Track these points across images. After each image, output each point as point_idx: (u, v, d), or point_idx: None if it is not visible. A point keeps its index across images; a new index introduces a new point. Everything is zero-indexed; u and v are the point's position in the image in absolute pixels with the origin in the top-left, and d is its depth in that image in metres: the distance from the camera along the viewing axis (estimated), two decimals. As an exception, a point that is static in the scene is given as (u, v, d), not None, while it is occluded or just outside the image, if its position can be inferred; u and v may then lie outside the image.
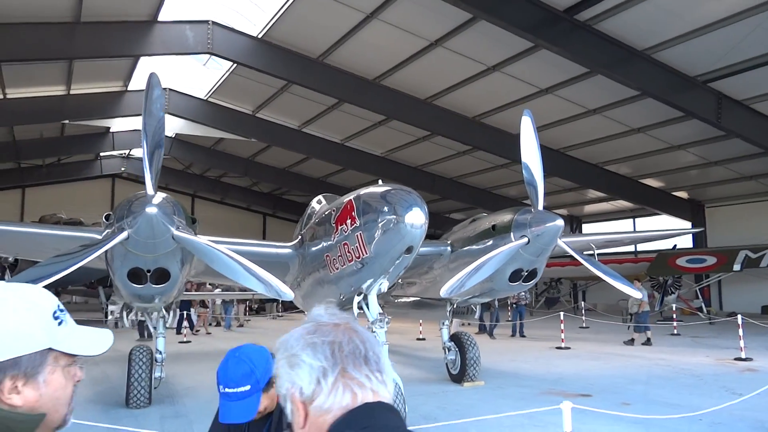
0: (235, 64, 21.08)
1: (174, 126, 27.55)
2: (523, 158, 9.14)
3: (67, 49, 17.76)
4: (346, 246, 7.38)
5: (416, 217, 6.59)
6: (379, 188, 7.22)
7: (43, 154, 30.60)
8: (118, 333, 21.09)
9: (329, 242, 7.85)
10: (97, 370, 12.99)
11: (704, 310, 23.03)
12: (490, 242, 9.23)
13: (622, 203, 29.95)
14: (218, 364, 2.63)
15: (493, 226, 9.10)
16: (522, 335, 19.19)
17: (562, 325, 16.20)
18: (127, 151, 33.52)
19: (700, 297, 24.05)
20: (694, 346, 16.40)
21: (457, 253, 9.79)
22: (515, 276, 9.09)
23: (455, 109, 21.98)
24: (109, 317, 22.82)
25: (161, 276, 7.52)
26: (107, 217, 7.51)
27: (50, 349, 1.29)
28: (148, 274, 7.41)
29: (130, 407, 8.97)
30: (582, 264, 9.06)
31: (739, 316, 14.07)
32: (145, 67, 22.00)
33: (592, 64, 16.24)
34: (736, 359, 13.28)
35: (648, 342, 16.54)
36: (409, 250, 6.90)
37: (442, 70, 19.29)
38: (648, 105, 19.14)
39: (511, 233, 8.72)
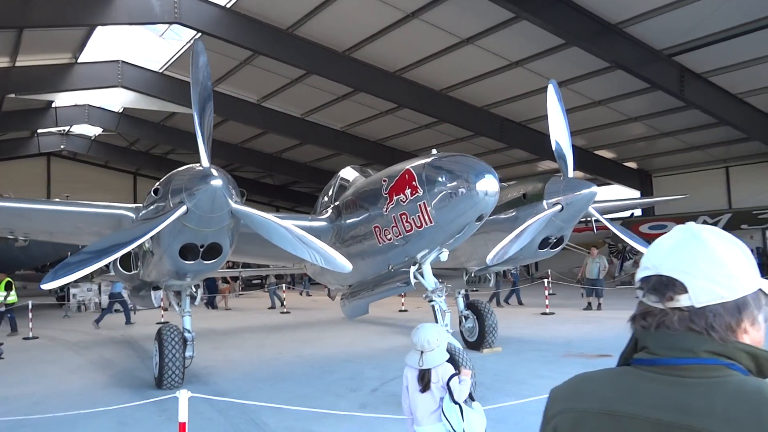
0: (197, 35, 20.25)
1: (123, 100, 26.32)
2: (551, 130, 9.32)
3: (20, 17, 16.55)
4: (404, 216, 7.33)
5: (489, 185, 6.62)
6: (444, 156, 7.21)
7: (-25, 131, 28.54)
8: (83, 317, 20.30)
9: (380, 213, 7.77)
10: (92, 354, 12.47)
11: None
12: (513, 212, 9.45)
13: (577, 173, 30.93)
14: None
15: (524, 195, 9.27)
16: (507, 303, 19.67)
17: (546, 292, 16.76)
18: (67, 128, 31.66)
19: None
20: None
21: (482, 221, 9.90)
22: (543, 243, 9.36)
23: (423, 82, 21.98)
24: (72, 300, 21.79)
25: (212, 251, 7.27)
26: (156, 191, 7.13)
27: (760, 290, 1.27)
28: (201, 249, 7.15)
29: (164, 388, 8.67)
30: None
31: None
32: (100, 37, 20.88)
33: (570, 36, 16.60)
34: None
35: (599, 307, 17.19)
36: (480, 218, 6.94)
37: (415, 43, 19.21)
38: (611, 78, 19.84)
39: (544, 201, 8.94)
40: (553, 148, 9.22)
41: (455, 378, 4.14)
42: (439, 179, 6.86)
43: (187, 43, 21.42)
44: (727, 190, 26.91)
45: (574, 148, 27.72)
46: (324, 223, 9.01)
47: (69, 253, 21.90)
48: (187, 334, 9.05)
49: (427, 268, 7.79)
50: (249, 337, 14.31)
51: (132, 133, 31.28)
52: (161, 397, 6.64)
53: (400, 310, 18.75)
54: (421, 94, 22.41)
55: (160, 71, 23.69)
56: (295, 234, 6.99)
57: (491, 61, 19.81)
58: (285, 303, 21.90)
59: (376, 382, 8.83)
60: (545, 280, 17.24)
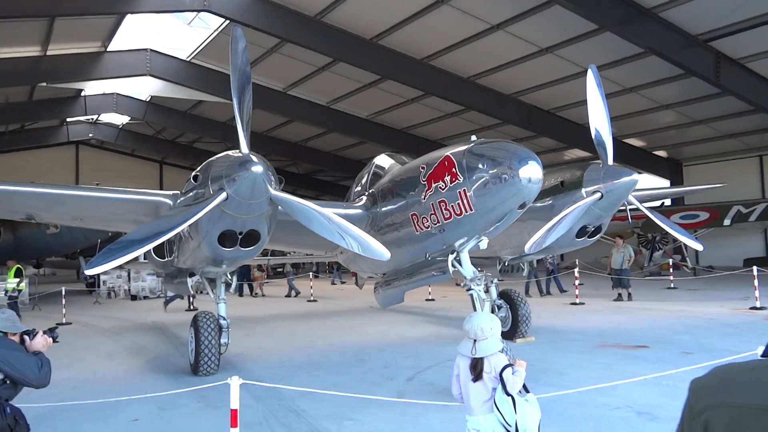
0: (226, 23, 20.29)
1: (151, 88, 26.53)
2: (590, 117, 9.12)
3: (52, 6, 16.74)
4: (443, 204, 7.23)
5: (533, 171, 6.48)
6: (485, 142, 7.09)
7: (7, 119, 28.91)
8: (113, 303, 20.59)
9: (417, 200, 7.68)
10: (125, 341, 12.61)
11: (689, 264, 23.97)
12: (550, 200, 9.28)
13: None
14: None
15: (562, 182, 9.10)
16: (549, 293, 19.35)
17: (576, 282, 16.56)
18: (95, 117, 32.01)
19: (684, 252, 24.96)
20: (699, 298, 17.04)
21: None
22: (581, 232, 9.20)
23: (451, 69, 21.81)
24: (102, 287, 22.10)
25: (250, 238, 7.26)
26: (195, 178, 7.14)
27: None
28: (240, 236, 7.14)
29: (200, 374, 8.72)
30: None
31: (755, 268, 14.65)
32: (129, 26, 21.00)
33: (604, 21, 16.30)
34: (751, 308, 13.88)
35: (630, 297, 16.83)
36: (522, 205, 6.82)
37: (444, 29, 19.02)
38: (643, 64, 19.47)
39: (582, 189, 8.77)
40: (593, 136, 8.99)
41: (509, 369, 4.05)
42: (481, 166, 6.73)
43: (214, 31, 21.50)
44: (761, 179, 26.37)
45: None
46: (359, 211, 8.95)
47: (99, 240, 22.31)
48: (222, 321, 9.07)
49: (465, 257, 7.70)
50: (279, 325, 14.36)
51: (159, 122, 31.52)
52: (206, 385, 6.64)
53: (427, 299, 18.69)
54: (448, 82, 22.23)
55: (188, 59, 23.83)
56: (334, 221, 6.94)
57: (521, 47, 19.56)
58: (298, 293, 22.30)
59: (411, 371, 8.77)
60: (575, 270, 16.98)
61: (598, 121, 9.06)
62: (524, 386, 4.06)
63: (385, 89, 24.39)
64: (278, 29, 19.23)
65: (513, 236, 9.69)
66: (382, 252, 7.01)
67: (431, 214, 7.48)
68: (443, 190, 7.19)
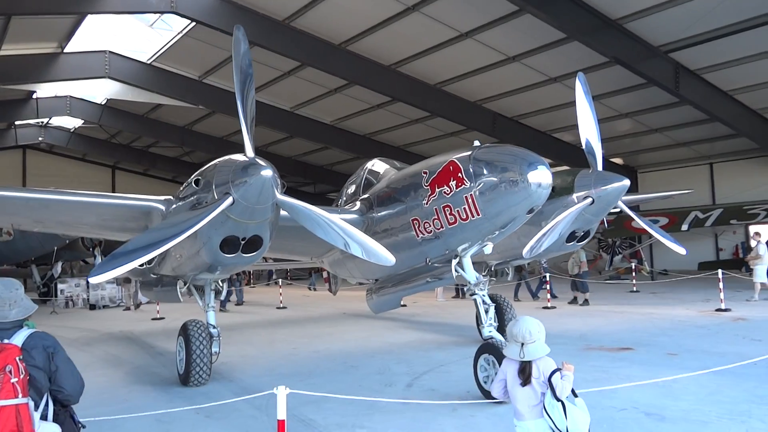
0: (190, 25, 19.87)
1: (107, 91, 25.67)
2: (580, 125, 9.30)
3: (12, 3, 16.04)
4: (447, 208, 7.24)
5: (543, 176, 6.56)
6: (492, 146, 7.13)
7: (-49, 122, 27.52)
8: (71, 313, 19.76)
9: (419, 205, 7.66)
10: (96, 351, 12.14)
11: (647, 268, 24.74)
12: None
13: (563, 168, 31.23)
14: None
15: (552, 188, 9.20)
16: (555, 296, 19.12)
17: (548, 286, 16.85)
18: (46, 120, 30.75)
19: (641, 256, 25.78)
20: (662, 301, 17.58)
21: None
22: (570, 237, 9.35)
23: (418, 76, 21.89)
24: (59, 296, 21.23)
25: (252, 244, 7.09)
26: (196, 182, 6.92)
27: None
28: (242, 242, 6.96)
29: (191, 385, 8.44)
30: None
31: (720, 271, 15.20)
32: (89, 26, 20.30)
33: (572, 30, 16.65)
34: (717, 310, 14.39)
35: (585, 302, 17.09)
36: (531, 210, 6.88)
37: (414, 36, 19.09)
38: (606, 74, 19.98)
39: (573, 194, 8.92)
40: (583, 145, 9.19)
41: (557, 373, 4.05)
42: (489, 170, 6.77)
43: (178, 33, 20.99)
44: (711, 186, 27.40)
45: (561, 143, 28.22)
46: (355, 216, 8.86)
47: (56, 248, 21.44)
48: (212, 330, 8.82)
49: (467, 262, 7.72)
50: (256, 333, 14.07)
51: (114, 126, 30.48)
52: (211, 403, 6.42)
53: (401, 305, 18.62)
54: (415, 88, 22.31)
55: (149, 62, 23.16)
56: (340, 226, 6.87)
57: (489, 55, 19.80)
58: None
59: (408, 378, 8.72)
60: (547, 275, 17.25)
61: (588, 129, 9.27)
62: (572, 391, 4.07)
63: (351, 95, 24.32)
64: (246, 33, 18.89)
65: (500, 241, 9.77)
66: (387, 257, 6.97)
67: (434, 219, 7.48)
68: (448, 195, 7.20)
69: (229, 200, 6.40)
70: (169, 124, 30.40)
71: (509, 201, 6.71)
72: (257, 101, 24.37)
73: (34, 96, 26.42)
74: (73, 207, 7.68)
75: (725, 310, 14.30)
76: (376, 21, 18.45)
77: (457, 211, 7.13)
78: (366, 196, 9.20)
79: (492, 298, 11.17)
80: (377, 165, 9.82)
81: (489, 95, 23.07)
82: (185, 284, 8.78)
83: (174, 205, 7.51)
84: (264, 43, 19.30)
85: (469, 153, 7.10)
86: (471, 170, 6.91)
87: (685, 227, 21.99)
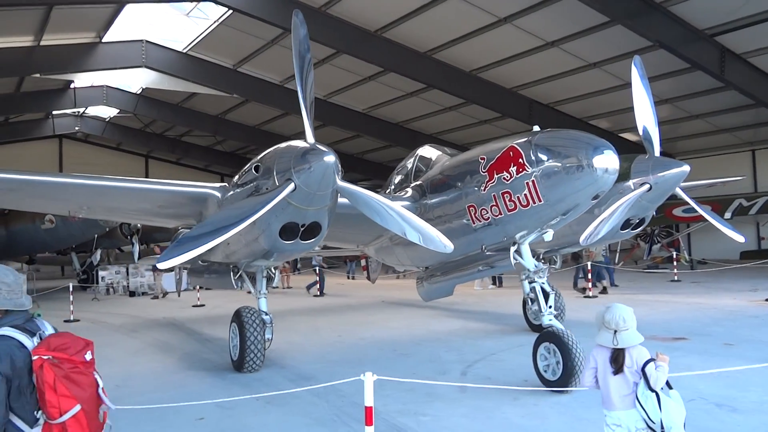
0: (227, 14, 19.90)
1: (143, 80, 25.93)
2: (636, 112, 9.09)
3: (55, -7, 16.24)
4: (506, 195, 7.12)
5: (610, 161, 6.40)
6: (554, 131, 6.98)
7: (-7, 112, 28.04)
8: (112, 299, 20.08)
9: (475, 191, 7.55)
10: (145, 337, 12.29)
11: (687, 257, 24.30)
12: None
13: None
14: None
15: (608, 174, 9.02)
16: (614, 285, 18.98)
17: (590, 275, 16.61)
18: (82, 110, 31.18)
19: (680, 245, 25.34)
20: (706, 290, 17.25)
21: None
22: (625, 224, 9.16)
23: (454, 62, 21.69)
24: (101, 283, 21.57)
25: (310, 231, 7.06)
26: (256, 168, 6.91)
27: None
28: (301, 229, 6.94)
29: (245, 371, 8.48)
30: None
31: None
32: (127, 16, 20.45)
33: (615, 14, 16.28)
34: (767, 300, 14.06)
35: (604, 291, 16.87)
36: (596, 197, 6.73)
37: (451, 22, 18.86)
38: (647, 59, 19.36)
39: (630, 180, 8.73)
40: (640, 132, 8.98)
41: (651, 363, 3.93)
42: (552, 155, 6.63)
43: (214, 22, 21.03)
44: (753, 173, 26.76)
45: (598, 130, 27.82)
46: (407, 203, 8.78)
47: (96, 236, 21.77)
48: (264, 317, 8.84)
49: (526, 249, 7.61)
50: (298, 320, 14.11)
51: (149, 115, 30.84)
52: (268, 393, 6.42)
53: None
54: (450, 75, 22.11)
55: (184, 51, 23.30)
56: (398, 212, 6.83)
57: (527, 41, 19.51)
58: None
59: (460, 365, 8.66)
60: (589, 263, 16.99)
61: (645, 114, 9.04)
62: (667, 383, 3.95)
63: (384, 82, 24.19)
64: (282, 20, 18.85)
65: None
66: (445, 243, 6.90)
67: (492, 205, 7.36)
68: (508, 180, 7.07)
69: (291, 186, 6.37)
70: (202, 113, 30.63)
71: (573, 187, 6.56)
72: (291, 89, 24.51)
73: (72, 86, 26.79)
74: (132, 193, 7.75)
75: (776, 299, 13.98)
76: (414, 7, 18.27)
77: (518, 197, 7.01)
78: (418, 182, 9.11)
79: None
80: (428, 151, 9.71)
81: (525, 82, 22.77)
82: (238, 271, 8.81)
83: (231, 192, 7.51)
84: (300, 30, 19.25)
85: (530, 138, 6.95)
86: (533, 155, 6.77)
87: (728, 215, 21.52)
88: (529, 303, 11.16)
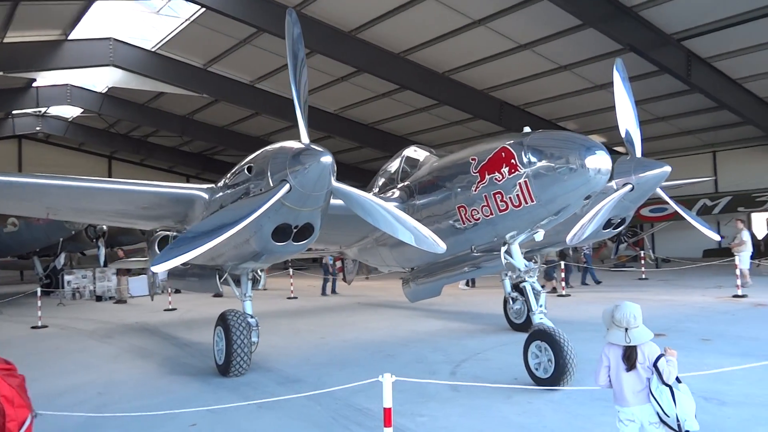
0: (199, 12, 19.59)
1: (109, 79, 25.32)
2: (618, 115, 9.25)
3: (19, -13, 15.76)
4: (498, 195, 7.18)
5: (602, 162, 6.50)
6: (546, 132, 7.07)
7: (-52, 111, 27.05)
8: (78, 304, 19.54)
9: (466, 192, 7.59)
10: (120, 343, 12.00)
11: (652, 256, 24.90)
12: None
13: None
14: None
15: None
16: (586, 284, 19.74)
17: (563, 274, 16.86)
18: (44, 109, 30.28)
19: (645, 244, 25.99)
20: (674, 288, 17.67)
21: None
22: (606, 224, 9.32)
23: (427, 64, 21.77)
24: (66, 287, 20.97)
25: (303, 232, 6.98)
26: (249, 169, 6.80)
27: None
28: (294, 230, 6.86)
29: (231, 375, 8.34)
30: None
31: (737, 257, 15.28)
32: (96, 13, 19.96)
33: (589, 17, 16.56)
34: (734, 296, 14.48)
35: (554, 290, 17.16)
36: (588, 197, 6.83)
37: (425, 23, 18.94)
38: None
39: (613, 181, 8.88)
40: (623, 136, 9.16)
41: (663, 358, 4.03)
42: (545, 156, 6.71)
43: (185, 20, 20.67)
44: (714, 174, 27.54)
45: (567, 132, 28.02)
46: (395, 203, 8.76)
47: (61, 239, 21.17)
48: (250, 319, 8.72)
49: (516, 249, 7.69)
50: (277, 322, 13.93)
51: (114, 115, 30.12)
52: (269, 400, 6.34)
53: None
54: (423, 76, 22.20)
55: (154, 50, 22.85)
56: (393, 213, 6.82)
57: (500, 43, 19.70)
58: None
59: (448, 365, 8.69)
60: (562, 263, 17.25)
61: (626, 116, 9.21)
62: (676, 377, 4.04)
63: (356, 83, 24.18)
64: (256, 19, 18.70)
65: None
66: (438, 244, 6.92)
67: (483, 206, 7.42)
68: (500, 181, 7.13)
69: (286, 187, 6.28)
70: (169, 112, 30.10)
71: (566, 187, 6.64)
72: (262, 89, 24.29)
73: (34, 85, 26.02)
74: (117, 195, 7.54)
75: (742, 296, 14.40)
76: (389, 8, 18.29)
77: (509, 197, 7.07)
78: (406, 183, 9.12)
79: (518, 287, 11.24)
80: (414, 152, 9.71)
81: (497, 83, 22.99)
82: (224, 274, 8.67)
83: (220, 194, 7.38)
84: (273, 30, 19.09)
85: (522, 139, 7.02)
86: (525, 156, 6.84)
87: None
88: (511, 302, 11.36)
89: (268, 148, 6.90)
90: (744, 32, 17.48)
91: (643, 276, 20.72)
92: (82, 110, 30.04)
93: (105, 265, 22.09)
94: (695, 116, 24.11)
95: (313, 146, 6.50)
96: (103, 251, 22.76)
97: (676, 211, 22.22)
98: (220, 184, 7.58)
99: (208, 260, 8.45)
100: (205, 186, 7.85)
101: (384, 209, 6.78)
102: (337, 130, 29.00)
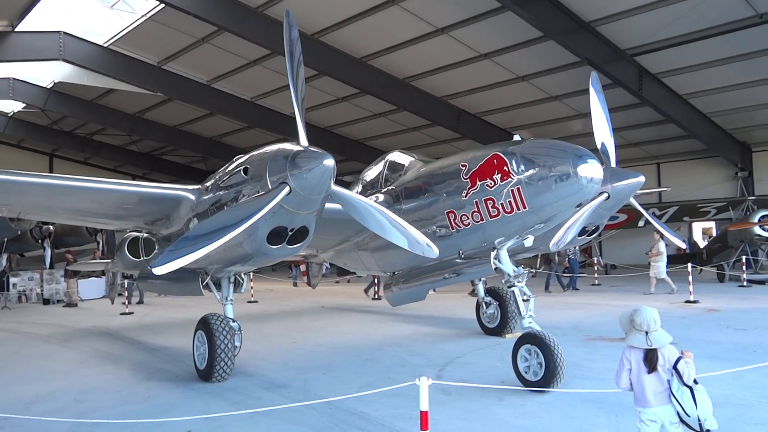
0: (156, 8, 19.10)
1: (56, 74, 24.36)
2: (595, 128, 9.52)
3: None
4: (490, 201, 7.31)
5: (594, 171, 6.70)
6: (538, 140, 7.24)
7: None
8: (25, 308, 18.64)
9: (456, 198, 7.70)
10: (83, 348, 11.56)
11: (601, 263, 25.75)
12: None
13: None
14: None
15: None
16: (573, 288, 20.30)
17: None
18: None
19: (594, 251, 26.93)
20: (627, 293, 18.34)
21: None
22: (582, 230, 9.61)
23: (388, 70, 21.93)
24: (11, 290, 20.00)
25: (297, 235, 6.92)
26: (245, 171, 6.69)
27: None
28: (290, 233, 6.79)
29: (214, 380, 8.16)
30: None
31: (689, 265, 15.99)
32: (46, 4, 19.20)
33: (549, 30, 17.05)
34: (687, 302, 15.16)
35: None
36: (579, 204, 7.03)
37: (389, 30, 19.10)
38: (571, 75, 20.60)
39: (589, 190, 9.16)
40: (598, 148, 9.45)
41: (682, 361, 4.21)
42: (538, 164, 6.87)
43: (141, 16, 20.12)
44: (658, 185, 28.74)
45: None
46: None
47: (5, 240, 20.16)
48: (232, 323, 8.56)
49: (504, 254, 7.83)
50: (245, 326, 13.38)
51: (59, 111, 28.94)
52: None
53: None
54: (383, 82, 22.32)
55: (106, 45, 22.12)
56: (388, 217, 6.86)
57: (461, 51, 20.03)
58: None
59: (432, 369, 8.74)
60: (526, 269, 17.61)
61: (602, 131, 9.51)
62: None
63: (315, 86, 23.94)
64: (217, 17, 18.37)
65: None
66: (431, 248, 7.02)
67: (474, 211, 7.54)
68: (491, 188, 7.27)
69: (286, 190, 6.21)
70: (118, 110, 29.15)
71: (558, 195, 6.82)
72: (215, 89, 23.93)
73: (-23, 77, 24.78)
74: (98, 195, 7.26)
75: (694, 301, 15.08)
76: (353, 13, 18.35)
77: (501, 204, 7.21)
78: (390, 188, 9.16)
79: (493, 291, 11.45)
80: (399, 157, 9.75)
81: (456, 91, 23.36)
82: (207, 276, 8.49)
83: (209, 195, 7.22)
84: (235, 29, 18.86)
85: (515, 146, 7.19)
86: (518, 164, 6.99)
87: (641, 224, 22.99)
88: (484, 306, 11.54)
89: (265, 149, 6.82)
90: (691, 51, 18.41)
91: (596, 282, 21.41)
92: (24, 105, 28.73)
93: (51, 267, 21.17)
94: (643, 129, 25.15)
95: (313, 148, 6.47)
96: (49, 252, 21.81)
97: (627, 219, 23.15)
98: (208, 185, 7.41)
99: (194, 262, 8.25)
100: (192, 187, 7.66)
101: (381, 213, 6.83)
102: (293, 133, 28.56)
